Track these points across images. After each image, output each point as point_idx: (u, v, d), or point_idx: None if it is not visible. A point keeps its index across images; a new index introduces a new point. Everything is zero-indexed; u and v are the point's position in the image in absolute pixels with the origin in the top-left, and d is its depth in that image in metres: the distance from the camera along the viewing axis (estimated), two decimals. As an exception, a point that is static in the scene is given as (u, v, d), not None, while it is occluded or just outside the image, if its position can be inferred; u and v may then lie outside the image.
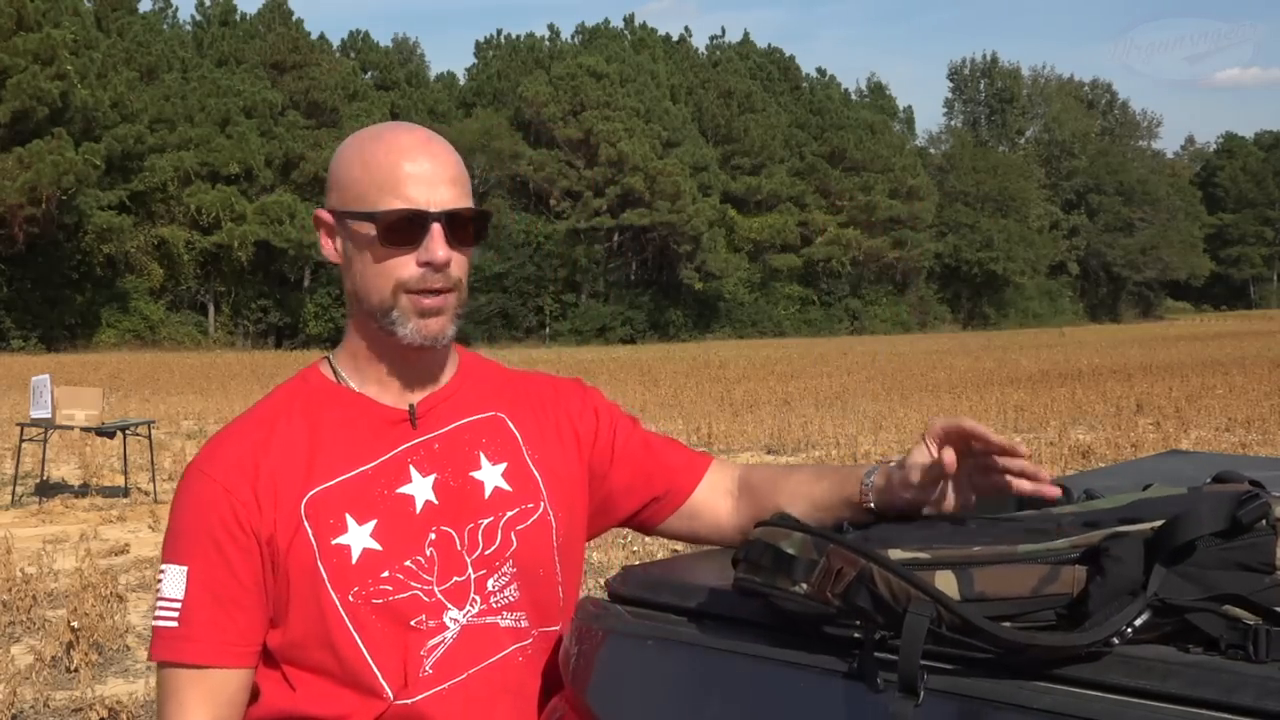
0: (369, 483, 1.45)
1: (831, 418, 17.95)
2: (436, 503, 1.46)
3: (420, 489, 1.46)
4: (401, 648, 1.42)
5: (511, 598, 1.48)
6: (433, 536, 1.45)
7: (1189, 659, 1.10)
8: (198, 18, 61.37)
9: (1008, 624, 1.14)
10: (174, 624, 1.41)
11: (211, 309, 55.08)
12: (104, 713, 5.28)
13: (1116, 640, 1.11)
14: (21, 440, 11.41)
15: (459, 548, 1.46)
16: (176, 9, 64.98)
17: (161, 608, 1.42)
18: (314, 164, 55.06)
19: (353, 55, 66.37)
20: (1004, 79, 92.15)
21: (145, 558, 8.80)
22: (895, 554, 1.20)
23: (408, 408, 1.50)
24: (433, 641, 1.43)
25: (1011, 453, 1.38)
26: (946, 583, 1.16)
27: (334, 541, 1.41)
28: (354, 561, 1.41)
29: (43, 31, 46.50)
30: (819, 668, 1.25)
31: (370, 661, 1.41)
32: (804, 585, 1.20)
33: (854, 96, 79.33)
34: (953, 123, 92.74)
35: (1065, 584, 1.15)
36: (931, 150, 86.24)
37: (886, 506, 1.46)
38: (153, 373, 32.33)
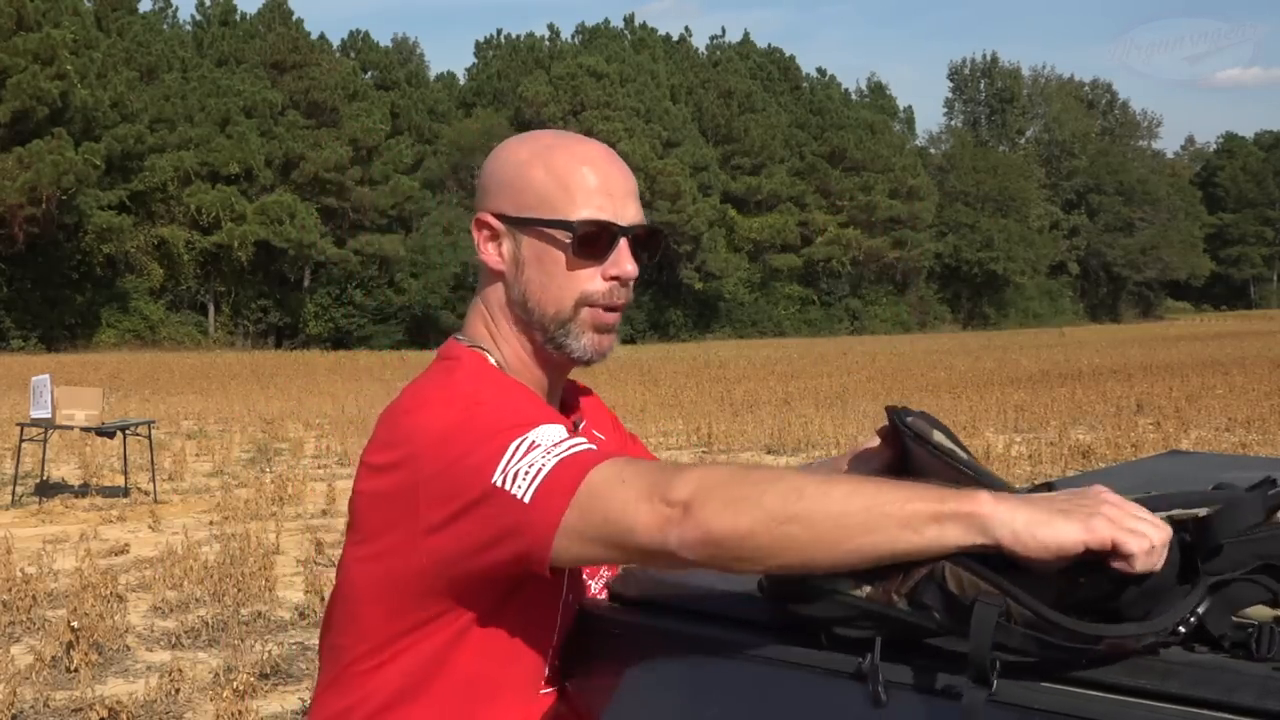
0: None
1: (831, 418, 17.95)
2: None
3: None
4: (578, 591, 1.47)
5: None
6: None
7: (1189, 659, 1.10)
8: (198, 18, 61.37)
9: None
10: (561, 451, 1.25)
11: (211, 309, 55.07)
12: (104, 713, 5.28)
13: (1182, 629, 1.11)
14: (21, 440, 11.41)
15: (585, 579, 1.49)
16: (176, 9, 65.08)
17: (526, 455, 1.24)
18: (314, 164, 55.09)
19: (353, 55, 66.35)
20: (1004, 79, 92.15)
21: (145, 558, 8.80)
22: (938, 437, 1.23)
23: (572, 424, 1.45)
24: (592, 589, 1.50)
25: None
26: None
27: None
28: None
29: (43, 31, 46.51)
30: (819, 667, 1.25)
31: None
32: (867, 588, 1.18)
33: (854, 96, 79.33)
34: (953, 123, 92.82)
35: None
36: (931, 150, 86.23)
37: None
38: (153, 373, 32.32)
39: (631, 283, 1.42)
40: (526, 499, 1.21)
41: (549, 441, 1.26)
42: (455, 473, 1.26)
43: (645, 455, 1.65)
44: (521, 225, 1.40)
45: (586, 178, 1.39)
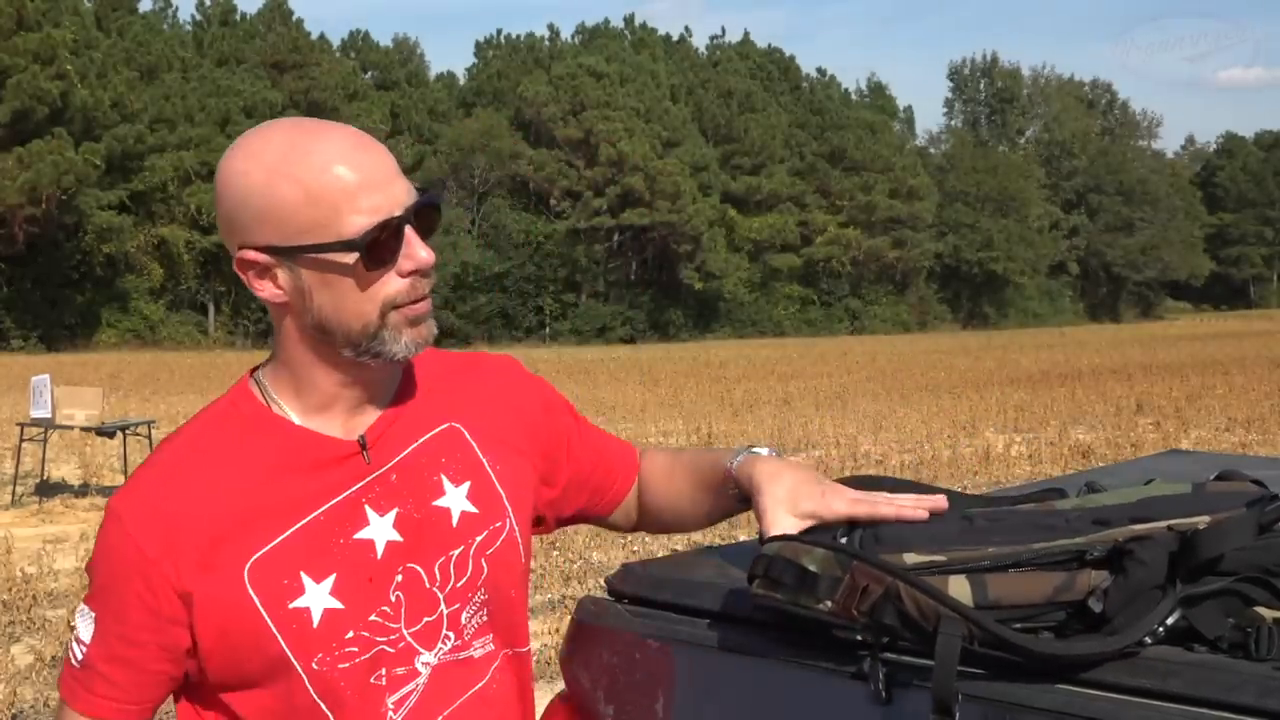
0: (321, 532, 1.29)
1: (831, 418, 17.95)
2: (401, 540, 1.32)
3: (379, 530, 1.32)
4: (372, 707, 1.30)
5: (479, 623, 1.37)
6: (399, 578, 1.31)
7: (1189, 658, 1.10)
8: (198, 18, 61.37)
9: (1018, 626, 1.14)
10: (77, 665, 1.32)
11: (211, 309, 55.07)
12: (104, 712, 5.27)
13: (1149, 640, 1.11)
14: (21, 440, 11.41)
15: (429, 585, 1.33)
16: (176, 9, 65.06)
17: (74, 642, 1.33)
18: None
19: (353, 55, 66.35)
20: (1004, 79, 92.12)
21: (145, 557, 8.80)
22: (910, 558, 1.19)
23: (358, 439, 1.33)
24: (403, 691, 1.32)
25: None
26: (960, 589, 1.16)
27: (291, 605, 1.27)
28: (315, 625, 1.27)
29: (43, 31, 46.50)
30: (820, 667, 1.25)
31: None
32: (829, 603, 1.18)
33: (854, 96, 79.31)
34: (953, 123, 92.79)
35: (1080, 589, 1.15)
36: (931, 150, 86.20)
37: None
38: (153, 372, 32.31)
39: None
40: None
41: (79, 631, 1.33)
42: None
43: (595, 442, 1.57)
44: (294, 255, 1.26)
45: (345, 180, 1.24)
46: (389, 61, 67.80)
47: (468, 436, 1.40)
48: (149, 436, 11.86)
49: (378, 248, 1.25)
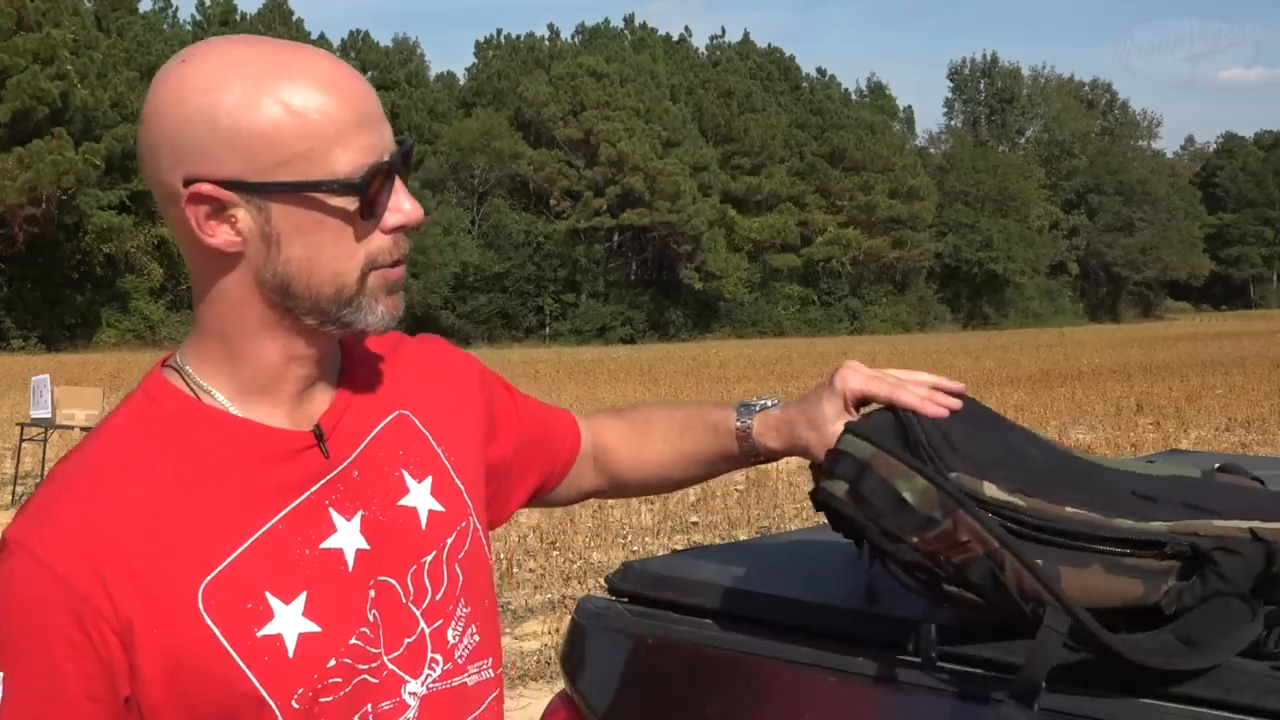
0: (283, 542, 1.07)
1: (831, 417, 17.93)
2: (369, 548, 1.11)
3: (348, 537, 1.10)
4: None
5: (472, 644, 1.18)
6: (373, 594, 1.10)
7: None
8: (198, 18, 61.37)
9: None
10: None
11: (211, 309, 55.13)
12: (104, 712, 5.27)
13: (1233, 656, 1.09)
14: (21, 440, 11.42)
15: (404, 600, 1.13)
16: (176, 9, 64.93)
17: None
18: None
19: (353, 55, 66.31)
20: (1004, 79, 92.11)
21: (145, 557, 8.81)
22: (990, 489, 1.12)
23: (313, 429, 1.11)
24: None
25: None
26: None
27: (260, 633, 1.03)
28: (291, 654, 1.04)
29: (43, 31, 46.49)
30: (819, 665, 1.25)
31: None
32: (915, 539, 1.11)
33: (854, 96, 79.29)
34: (953, 123, 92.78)
35: (1153, 595, 1.11)
36: (931, 150, 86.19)
37: (769, 456, 1.36)
38: (153, 373, 32.30)
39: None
40: None
41: None
42: None
43: (536, 414, 1.40)
44: (269, 192, 1.03)
45: (340, 110, 1.04)
46: (389, 61, 67.79)
47: (419, 425, 1.21)
48: (149, 436, 11.87)
49: (377, 195, 1.07)
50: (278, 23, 59.66)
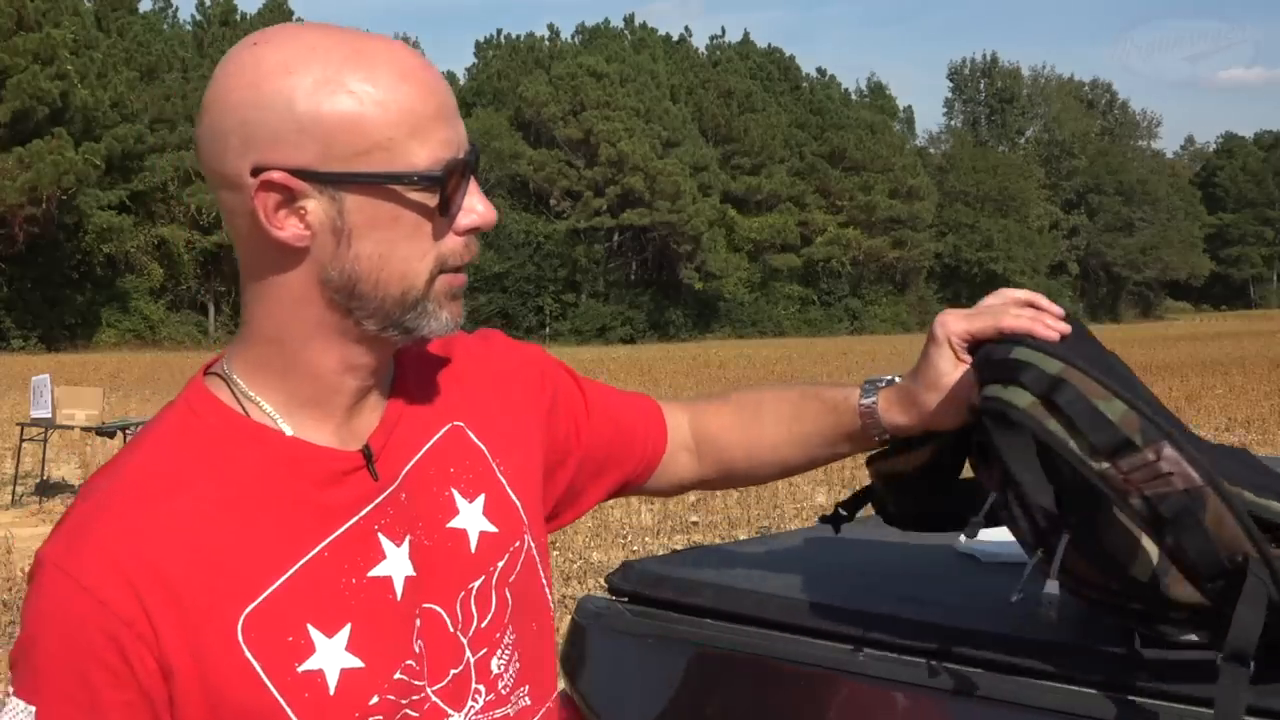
0: (327, 571, 1.01)
1: (831, 417, 17.93)
2: (416, 575, 1.05)
3: (397, 564, 1.04)
4: None
5: (514, 672, 1.12)
6: (418, 623, 1.05)
7: (1190, 657, 1.09)
8: (198, 18, 61.37)
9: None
10: None
11: (211, 309, 55.08)
12: (104, 712, 5.27)
13: None
14: (21, 440, 11.42)
15: (452, 629, 1.07)
16: (176, 9, 64.90)
17: None
18: (314, 164, 55.13)
19: (353, 55, 66.35)
20: (1004, 79, 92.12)
21: (145, 557, 8.81)
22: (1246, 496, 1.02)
23: (361, 449, 1.05)
24: None
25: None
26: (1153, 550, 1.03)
27: (301, 668, 0.98)
28: (332, 692, 0.98)
29: (43, 31, 46.49)
30: (819, 665, 1.25)
31: None
32: (1107, 463, 1.02)
33: (854, 96, 79.30)
34: (953, 123, 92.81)
35: None
36: (931, 150, 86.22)
37: (895, 432, 1.28)
38: (153, 372, 32.31)
39: None
40: None
41: None
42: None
43: (610, 412, 1.30)
44: (345, 182, 0.97)
45: (422, 101, 0.99)
46: (389, 61, 67.82)
47: (472, 437, 1.14)
48: (149, 436, 11.86)
49: (452, 191, 1.01)
50: (278, 23, 59.64)
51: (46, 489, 11.64)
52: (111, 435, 11.89)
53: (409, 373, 1.12)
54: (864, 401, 1.28)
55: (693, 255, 61.27)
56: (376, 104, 0.96)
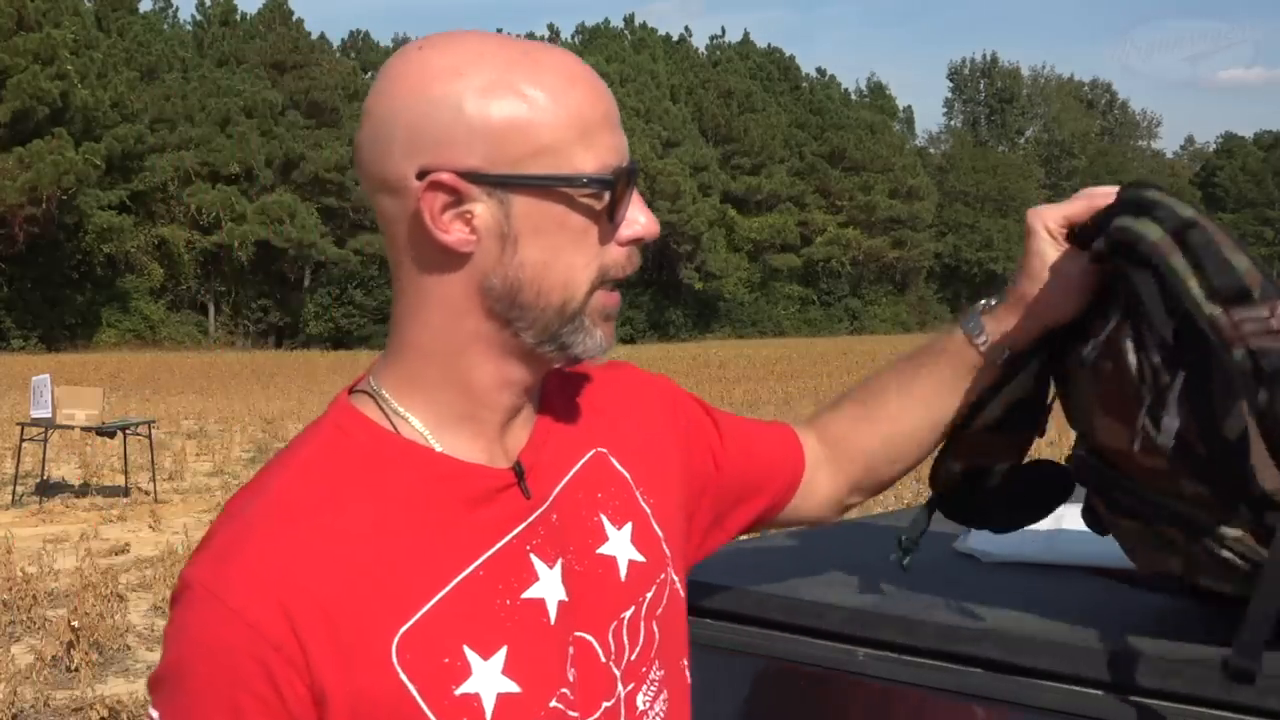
0: (482, 591, 0.96)
1: (831, 417, 17.94)
2: (568, 600, 1.00)
3: (550, 586, 1.00)
4: None
5: (663, 711, 1.06)
6: (571, 650, 1.00)
7: (1189, 656, 1.09)
8: (198, 18, 61.41)
9: None
10: None
11: (211, 309, 55.10)
12: (104, 712, 5.30)
13: None
14: (21, 440, 11.42)
15: (604, 659, 1.02)
16: (176, 9, 65.01)
17: None
18: (314, 164, 55.09)
19: (353, 55, 66.35)
20: (1004, 79, 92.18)
21: (145, 557, 8.82)
22: None
23: (513, 467, 1.01)
24: None
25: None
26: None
27: (458, 691, 0.93)
28: (489, 717, 0.94)
29: (43, 31, 46.52)
30: (825, 667, 1.25)
31: None
32: (1219, 309, 1.01)
33: (854, 96, 79.37)
34: (953, 123, 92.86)
35: None
36: (931, 150, 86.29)
37: (1012, 344, 1.23)
38: (153, 372, 32.33)
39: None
40: None
41: None
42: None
43: (744, 445, 1.24)
44: (514, 185, 0.95)
45: (591, 106, 0.97)
46: (389, 61, 67.83)
47: (617, 465, 1.10)
48: (149, 436, 11.87)
49: (618, 198, 0.98)
50: (278, 22, 59.67)
51: (46, 489, 11.65)
52: (111, 435, 11.90)
53: (553, 396, 1.09)
54: (969, 328, 1.25)
55: (693, 255, 61.32)
56: (545, 107, 0.94)
